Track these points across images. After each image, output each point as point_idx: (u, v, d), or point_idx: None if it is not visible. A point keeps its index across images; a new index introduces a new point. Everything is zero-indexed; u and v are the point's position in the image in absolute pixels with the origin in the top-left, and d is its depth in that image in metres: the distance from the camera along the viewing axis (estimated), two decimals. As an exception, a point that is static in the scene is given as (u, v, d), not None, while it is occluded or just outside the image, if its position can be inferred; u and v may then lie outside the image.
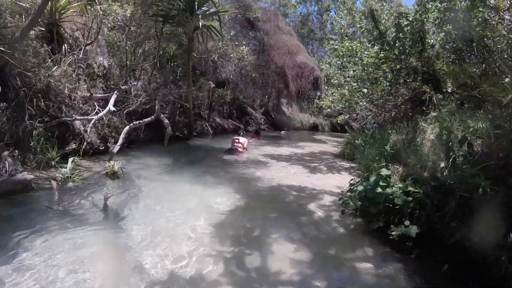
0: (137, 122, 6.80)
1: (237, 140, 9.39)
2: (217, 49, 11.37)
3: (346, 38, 15.24)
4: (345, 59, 10.12)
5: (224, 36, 11.56)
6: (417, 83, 8.83)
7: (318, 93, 30.51)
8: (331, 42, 10.45)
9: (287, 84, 15.32)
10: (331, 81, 11.08)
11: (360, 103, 10.65)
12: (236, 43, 12.09)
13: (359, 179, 4.85)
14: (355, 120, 16.28)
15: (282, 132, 18.64)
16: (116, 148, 6.08)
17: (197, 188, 5.23)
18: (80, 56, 7.94)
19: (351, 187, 4.59)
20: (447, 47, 8.76)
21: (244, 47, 11.77)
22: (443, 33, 8.11)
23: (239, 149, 9.24)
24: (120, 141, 6.13)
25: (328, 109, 15.20)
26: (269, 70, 14.94)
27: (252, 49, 13.98)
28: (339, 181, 6.49)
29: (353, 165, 8.62)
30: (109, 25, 9.15)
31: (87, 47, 9.02)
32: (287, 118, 24.09)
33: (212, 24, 9.73)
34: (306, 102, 27.68)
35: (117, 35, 9.91)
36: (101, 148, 7.30)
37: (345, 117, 12.26)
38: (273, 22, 15.59)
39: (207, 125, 13.89)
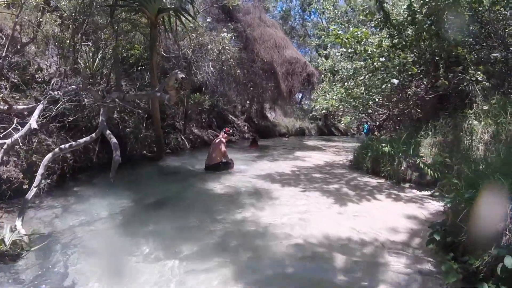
0: (67, 145, 4.30)
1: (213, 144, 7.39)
2: (190, 41, 8.97)
3: (342, 26, 13.26)
4: (349, 49, 7.99)
5: (199, 24, 9.20)
6: (452, 71, 6.84)
7: (300, 95, 28.59)
8: (333, 27, 8.29)
9: (277, 83, 13.05)
10: (334, 77, 8.91)
11: (376, 99, 8.59)
12: (214, 33, 9.66)
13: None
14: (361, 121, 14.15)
15: (285, 138, 18.78)
16: (31, 193, 3.61)
17: (166, 276, 2.76)
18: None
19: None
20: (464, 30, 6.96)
21: (225, 34, 9.35)
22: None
23: (217, 158, 7.15)
24: (37, 181, 3.68)
25: (323, 111, 13.14)
26: (254, 67, 12.59)
27: (232, 44, 11.66)
28: (388, 215, 4.28)
29: (380, 180, 6.51)
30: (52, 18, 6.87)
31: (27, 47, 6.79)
32: (271, 124, 21.95)
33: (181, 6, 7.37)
34: (290, 106, 25.72)
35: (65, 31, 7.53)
36: (25, 187, 4.81)
37: (351, 118, 10.21)
38: (254, 14, 13.32)
39: (183, 138, 11.47)
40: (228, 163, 7.32)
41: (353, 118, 10.50)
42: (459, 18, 6.44)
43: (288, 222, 3.95)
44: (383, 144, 6.67)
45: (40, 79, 6.91)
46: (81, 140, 4.46)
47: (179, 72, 5.14)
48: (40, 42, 7.69)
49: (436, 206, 4.72)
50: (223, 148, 7.25)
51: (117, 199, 4.74)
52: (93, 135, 4.62)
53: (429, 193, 5.52)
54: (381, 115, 11.43)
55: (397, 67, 6.62)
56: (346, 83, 8.31)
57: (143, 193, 5.15)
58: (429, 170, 5.92)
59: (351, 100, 8.81)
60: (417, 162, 6.15)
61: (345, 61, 8.49)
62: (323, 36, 21.91)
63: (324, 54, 12.04)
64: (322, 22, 23.01)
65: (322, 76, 12.49)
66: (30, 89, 6.37)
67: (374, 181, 6.57)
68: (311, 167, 8.16)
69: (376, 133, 15.35)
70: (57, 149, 4.04)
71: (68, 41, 7.25)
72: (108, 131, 4.62)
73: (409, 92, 9.37)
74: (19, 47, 6.85)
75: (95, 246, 3.26)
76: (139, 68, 10.13)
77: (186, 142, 11.46)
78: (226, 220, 3.99)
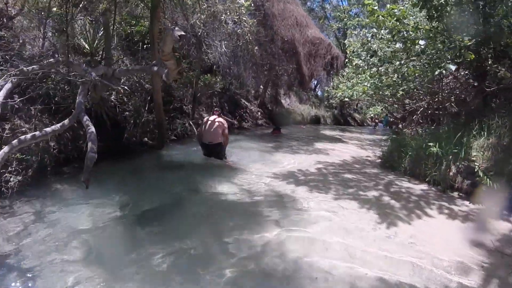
0: (29, 136, 3.24)
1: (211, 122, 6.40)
2: (200, 10, 7.77)
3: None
4: (382, 29, 6.76)
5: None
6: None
7: (315, 82, 27.15)
8: (368, 1, 7.04)
9: (298, 65, 11.76)
10: (367, 60, 7.64)
11: (412, 88, 7.39)
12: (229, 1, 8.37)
13: None
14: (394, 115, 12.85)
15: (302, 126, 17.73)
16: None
17: None
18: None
19: None
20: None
21: (243, 0, 8.06)
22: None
23: (219, 138, 6.29)
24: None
25: (346, 99, 11.90)
26: (273, 47, 11.27)
27: (249, 16, 10.39)
28: (450, 242, 3.23)
29: (423, 186, 5.47)
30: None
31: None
32: (286, 110, 20.73)
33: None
34: (305, 93, 24.41)
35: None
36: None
37: (382, 109, 8.98)
38: (273, -13, 11.93)
39: (191, 123, 10.39)
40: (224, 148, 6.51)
41: (383, 109, 9.24)
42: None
43: (327, 253, 2.87)
44: (431, 144, 5.49)
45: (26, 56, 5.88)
46: (49, 129, 3.40)
47: (176, 29, 3.94)
48: (28, 14, 6.68)
49: (502, 227, 3.69)
50: (226, 131, 6.43)
51: (103, 205, 3.72)
52: (66, 122, 3.54)
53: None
54: (407, 108, 10.19)
55: (451, 52, 5.37)
56: (381, 68, 7.05)
57: (136, 196, 4.12)
58: (488, 179, 4.76)
59: (385, 88, 7.58)
60: (475, 170, 4.99)
61: (380, 43, 7.23)
62: (345, 19, 20.47)
63: (353, 35, 10.68)
64: (343, 4, 21.36)
65: (346, 60, 11.21)
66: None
67: (416, 187, 5.43)
68: (338, 163, 7.03)
69: (399, 126, 14.13)
70: (15, 141, 2.99)
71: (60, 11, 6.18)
72: (85, 117, 3.53)
73: (449, 83, 8.12)
74: (4, 20, 5.88)
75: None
76: (144, 46, 9.05)
77: (195, 128, 10.39)
78: (241, 247, 2.91)
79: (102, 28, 6.83)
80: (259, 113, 16.84)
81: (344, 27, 20.31)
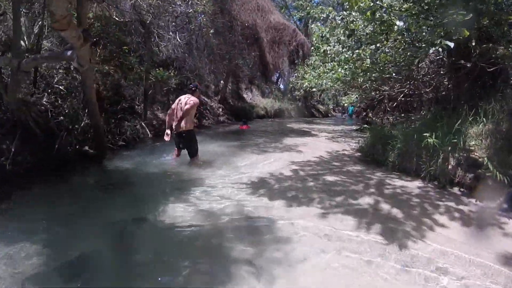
0: None
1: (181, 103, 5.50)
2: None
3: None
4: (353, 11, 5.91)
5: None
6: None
7: (276, 74, 26.25)
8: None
9: (262, 53, 10.67)
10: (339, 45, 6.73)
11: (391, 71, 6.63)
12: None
13: None
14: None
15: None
16: None
17: None
18: None
19: None
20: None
21: None
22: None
23: (187, 124, 5.38)
24: None
25: (314, 89, 11.08)
26: (232, 34, 10.06)
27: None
28: (478, 264, 2.33)
29: (419, 183, 4.67)
30: None
31: None
32: (249, 105, 19.71)
33: None
34: (267, 86, 23.56)
35: None
36: None
37: (357, 97, 8.10)
38: (230, -31, 10.74)
39: (143, 125, 9.09)
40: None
41: (357, 97, 8.40)
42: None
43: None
44: (426, 134, 4.67)
45: None
46: None
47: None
48: None
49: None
50: (192, 112, 5.49)
51: (12, 255, 2.48)
52: None
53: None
54: (376, 95, 9.50)
55: (443, 28, 4.53)
56: (358, 51, 6.15)
57: (59, 240, 2.88)
58: (497, 172, 3.98)
59: (361, 73, 6.72)
60: (484, 161, 4.22)
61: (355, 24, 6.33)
62: (308, 8, 19.59)
63: (316, 23, 9.78)
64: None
65: (312, 48, 10.36)
66: None
67: (411, 185, 4.63)
68: (315, 162, 6.09)
69: (369, 115, 13.56)
70: None
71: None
72: None
73: (427, 67, 7.43)
74: None
75: None
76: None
77: (148, 130, 9.10)
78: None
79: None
80: (221, 109, 15.70)
81: (307, 16, 19.49)
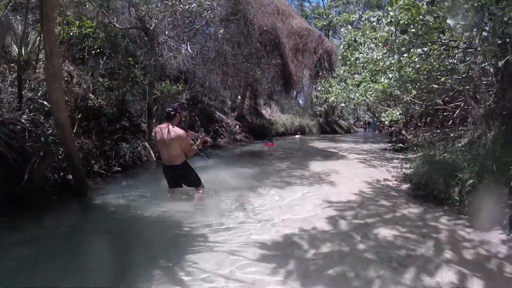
0: None
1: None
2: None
3: None
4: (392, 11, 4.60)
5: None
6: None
7: (294, 91, 24.80)
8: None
9: (284, 61, 9.34)
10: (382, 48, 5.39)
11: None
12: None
13: None
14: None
15: (297, 136, 16.84)
16: None
17: None
18: None
19: None
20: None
21: None
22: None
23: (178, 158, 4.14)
24: None
25: (342, 104, 9.79)
26: (250, 41, 8.75)
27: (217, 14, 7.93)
28: None
29: None
30: None
31: None
32: (267, 122, 18.49)
33: None
34: (287, 101, 22.35)
35: None
36: None
37: (401, 114, 6.66)
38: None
39: (148, 146, 7.89)
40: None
41: (401, 113, 6.94)
42: None
43: None
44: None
45: None
46: None
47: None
48: None
49: None
50: (186, 143, 4.17)
51: None
52: None
53: None
54: (415, 110, 8.05)
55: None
56: (407, 54, 4.78)
57: None
58: None
59: (409, 83, 5.32)
60: None
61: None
62: (330, 16, 18.39)
63: (347, 24, 8.48)
64: (323, 4, 19.32)
65: (339, 58, 9.07)
66: None
67: (493, 238, 3.22)
68: (355, 200, 4.66)
69: (403, 132, 12.02)
70: None
71: None
72: None
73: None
74: None
75: None
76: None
77: (152, 152, 7.89)
78: None
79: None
80: (238, 127, 14.47)
81: (328, 26, 18.24)
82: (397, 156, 9.48)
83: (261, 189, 5.23)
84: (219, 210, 4.04)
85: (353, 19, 6.97)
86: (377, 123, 25.95)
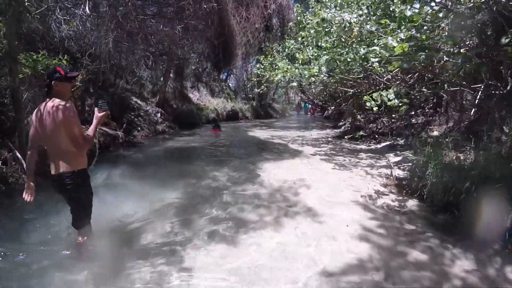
0: None
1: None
2: None
3: None
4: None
5: None
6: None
7: (225, 73, 22.23)
8: None
9: (222, 13, 6.84)
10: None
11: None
12: None
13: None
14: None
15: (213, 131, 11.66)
16: None
17: None
18: None
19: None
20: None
21: None
22: None
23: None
24: None
25: (294, 83, 7.86)
26: None
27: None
28: None
29: None
30: None
31: None
32: (196, 107, 16.01)
33: None
34: (217, 84, 20.03)
35: None
36: None
37: (398, 89, 4.85)
38: None
39: (18, 156, 5.06)
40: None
41: (401, 95, 5.08)
42: None
43: None
44: None
45: None
46: None
47: None
48: None
49: None
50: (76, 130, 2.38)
51: None
52: None
53: None
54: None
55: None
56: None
57: None
58: None
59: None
60: None
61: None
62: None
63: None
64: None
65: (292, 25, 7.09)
66: None
67: None
68: (373, 263, 2.64)
69: (358, 117, 10.43)
70: None
71: None
72: None
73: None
74: None
75: None
76: None
77: (26, 164, 5.05)
78: None
79: None
80: (159, 115, 11.82)
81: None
82: (359, 147, 7.85)
83: (192, 233, 2.97)
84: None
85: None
86: (309, 105, 25.00)
